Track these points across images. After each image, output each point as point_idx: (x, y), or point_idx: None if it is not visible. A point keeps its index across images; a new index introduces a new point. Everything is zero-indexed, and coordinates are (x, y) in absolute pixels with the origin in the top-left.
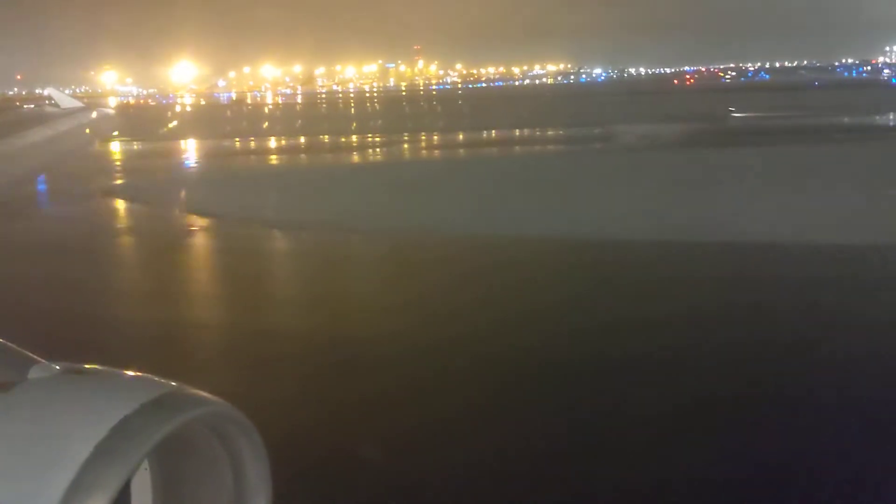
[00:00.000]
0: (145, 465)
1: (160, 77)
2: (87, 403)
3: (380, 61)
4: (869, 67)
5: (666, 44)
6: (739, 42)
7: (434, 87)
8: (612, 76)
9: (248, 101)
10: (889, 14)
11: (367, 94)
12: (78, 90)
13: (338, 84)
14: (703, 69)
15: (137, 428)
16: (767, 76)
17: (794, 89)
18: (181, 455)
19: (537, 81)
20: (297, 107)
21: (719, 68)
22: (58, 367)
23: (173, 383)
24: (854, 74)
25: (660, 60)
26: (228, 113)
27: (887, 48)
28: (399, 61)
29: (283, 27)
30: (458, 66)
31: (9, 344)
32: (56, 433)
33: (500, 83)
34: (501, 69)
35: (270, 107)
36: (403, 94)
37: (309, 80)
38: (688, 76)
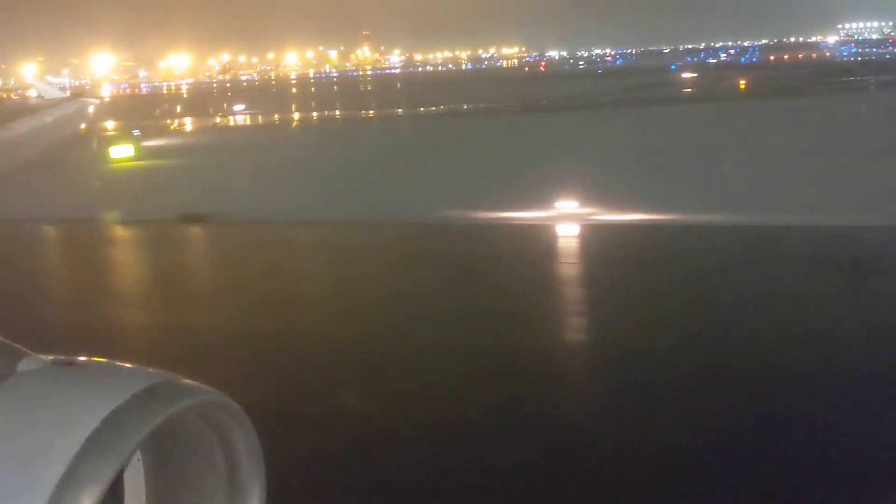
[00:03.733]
0: (138, 455)
1: (84, 67)
2: (77, 395)
3: (321, 47)
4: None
5: (630, 25)
6: (705, 21)
7: (369, 72)
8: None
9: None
10: None
11: (265, 82)
12: None
13: (259, 73)
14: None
15: (129, 419)
16: (620, 61)
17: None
18: (174, 445)
19: (485, 64)
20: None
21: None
22: (48, 360)
23: (165, 373)
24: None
25: (626, 41)
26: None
27: (840, 25)
28: (342, 47)
29: (221, 12)
30: (397, 51)
31: None
32: (47, 426)
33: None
34: (452, 54)
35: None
36: (308, 81)
37: (230, 68)
38: (542, 62)
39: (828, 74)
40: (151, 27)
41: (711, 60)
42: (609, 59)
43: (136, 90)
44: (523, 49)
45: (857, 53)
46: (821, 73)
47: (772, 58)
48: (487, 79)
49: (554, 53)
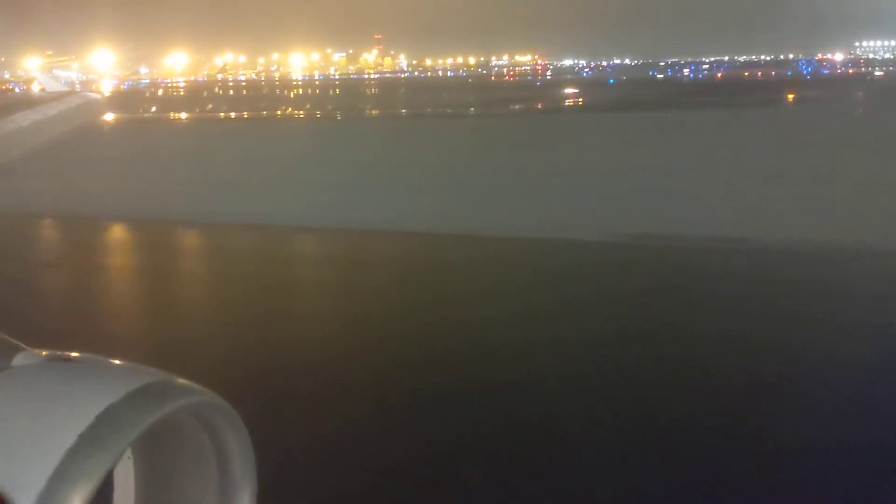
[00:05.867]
0: (129, 453)
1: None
2: (71, 391)
3: (328, 50)
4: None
5: (649, 35)
6: (728, 34)
7: (373, 76)
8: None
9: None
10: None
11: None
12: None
13: (259, 73)
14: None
15: (122, 417)
16: (588, 73)
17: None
18: (166, 444)
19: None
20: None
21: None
22: (43, 355)
23: (160, 372)
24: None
25: (646, 52)
26: None
27: (857, 43)
28: (350, 50)
29: (231, 11)
30: (402, 56)
31: None
32: (40, 421)
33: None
34: (462, 59)
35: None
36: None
37: (228, 68)
38: (511, 73)
39: (706, 93)
40: (161, 23)
41: (658, 75)
42: (588, 70)
43: (121, 87)
44: (536, 57)
45: (811, 72)
46: (704, 91)
47: (719, 75)
48: (403, 86)
49: (568, 62)
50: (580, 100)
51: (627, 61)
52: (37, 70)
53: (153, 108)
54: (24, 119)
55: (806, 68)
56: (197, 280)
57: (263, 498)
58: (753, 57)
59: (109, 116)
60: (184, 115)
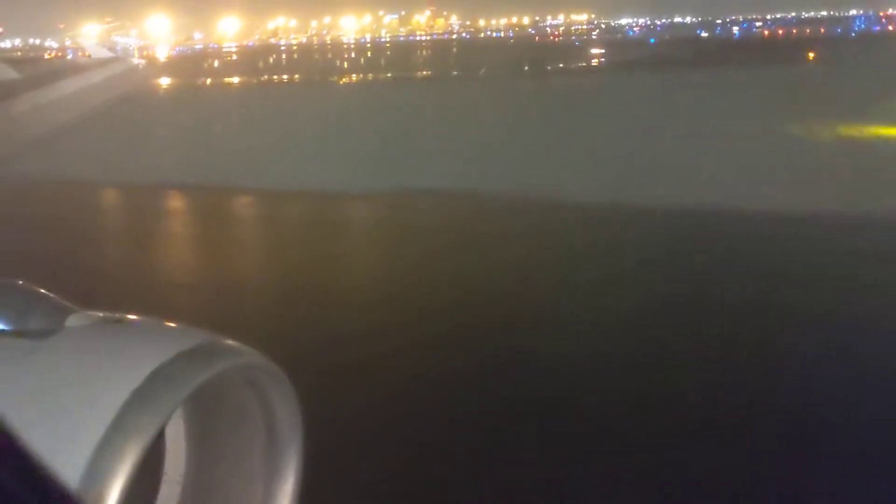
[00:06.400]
0: (179, 412)
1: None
2: (123, 351)
3: (380, 12)
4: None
5: None
6: None
7: (422, 37)
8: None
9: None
10: None
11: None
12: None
13: (310, 37)
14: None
15: (173, 376)
16: (632, 32)
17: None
18: (215, 404)
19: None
20: None
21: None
22: (96, 316)
23: (210, 334)
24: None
25: (708, 9)
26: None
27: None
28: (402, 12)
29: None
30: (454, 17)
31: (47, 293)
32: (93, 379)
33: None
34: (517, 19)
35: None
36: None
37: (277, 32)
38: (556, 33)
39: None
40: None
41: (704, 34)
42: (635, 30)
43: (172, 52)
44: (593, 15)
45: (860, 31)
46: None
47: (766, 33)
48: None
49: (626, 21)
50: (599, 61)
51: (689, 19)
52: (85, 37)
53: (200, 75)
54: (63, 88)
55: (858, 27)
56: (237, 246)
57: (309, 460)
58: (815, 13)
59: (154, 83)
60: (231, 81)
